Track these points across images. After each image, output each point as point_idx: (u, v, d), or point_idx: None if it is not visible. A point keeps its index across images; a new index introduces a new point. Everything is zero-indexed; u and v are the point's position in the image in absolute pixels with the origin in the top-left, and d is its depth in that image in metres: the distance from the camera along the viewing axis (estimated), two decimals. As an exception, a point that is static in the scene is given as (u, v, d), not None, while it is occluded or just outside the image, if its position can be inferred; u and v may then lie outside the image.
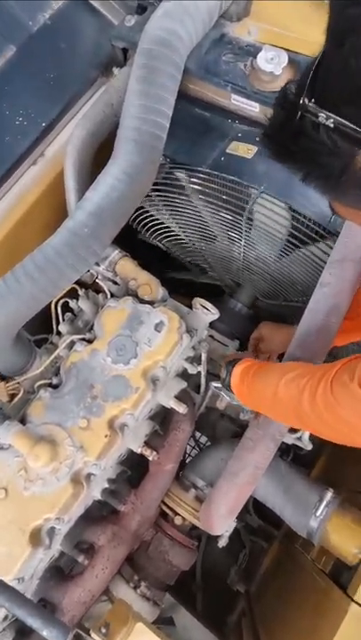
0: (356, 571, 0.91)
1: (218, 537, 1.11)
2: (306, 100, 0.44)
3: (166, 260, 1.57)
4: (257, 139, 1.03)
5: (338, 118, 0.42)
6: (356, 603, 0.82)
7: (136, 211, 1.22)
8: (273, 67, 0.93)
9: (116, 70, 1.13)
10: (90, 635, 0.70)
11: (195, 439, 1.57)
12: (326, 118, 0.43)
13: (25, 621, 0.70)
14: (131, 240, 1.48)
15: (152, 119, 0.91)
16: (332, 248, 0.90)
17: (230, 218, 1.00)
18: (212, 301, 1.15)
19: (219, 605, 1.74)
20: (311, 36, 0.98)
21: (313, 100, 0.44)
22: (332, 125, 0.43)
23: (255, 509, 1.74)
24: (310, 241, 0.95)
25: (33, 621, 0.69)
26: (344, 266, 0.80)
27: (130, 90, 0.92)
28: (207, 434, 1.59)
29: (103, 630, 0.72)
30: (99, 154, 1.15)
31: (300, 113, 0.44)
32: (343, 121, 0.42)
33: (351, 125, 0.42)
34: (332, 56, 0.43)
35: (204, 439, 1.67)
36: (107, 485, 1.02)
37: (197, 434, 1.63)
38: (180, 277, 1.58)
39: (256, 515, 1.74)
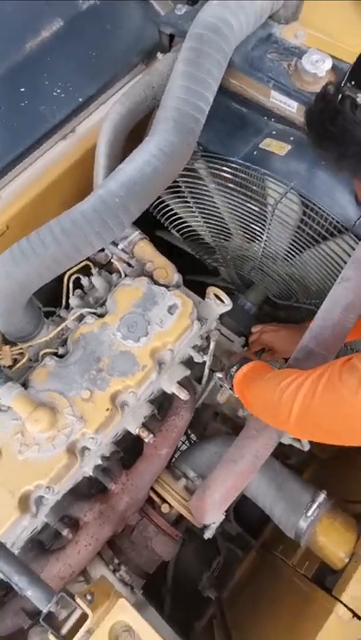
0: (342, 573, 0.90)
1: (202, 531, 1.09)
2: (348, 83, 0.50)
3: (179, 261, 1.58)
4: (291, 138, 1.05)
5: None
6: (342, 602, 0.81)
7: (161, 200, 1.23)
8: (317, 69, 0.96)
9: (160, 55, 1.15)
10: (75, 600, 0.68)
11: (187, 435, 1.56)
12: None
13: (10, 579, 0.68)
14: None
15: (193, 102, 0.93)
16: (353, 249, 0.92)
17: (257, 210, 1.02)
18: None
19: (187, 610, 1.70)
20: (356, 47, 1.02)
21: (353, 83, 0.50)
22: None
23: (236, 516, 1.73)
24: (329, 236, 0.97)
25: (18, 579, 0.67)
26: (368, 264, 0.81)
27: (175, 71, 0.94)
28: (197, 432, 1.58)
29: (89, 597, 0.70)
30: (130, 135, 1.16)
31: (340, 96, 0.51)
32: None
33: None
34: None
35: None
36: (100, 462, 1.01)
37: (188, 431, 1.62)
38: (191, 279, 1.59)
39: (236, 522, 1.72)
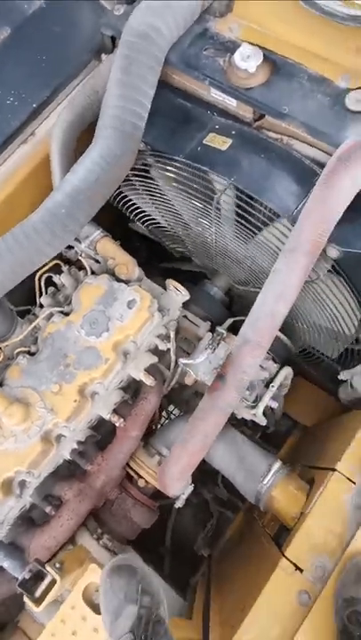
0: (291, 530, 1.01)
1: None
2: None
3: (158, 250, 1.65)
4: (233, 132, 1.09)
5: None
6: (286, 557, 0.92)
7: (121, 195, 1.29)
8: (248, 64, 0.99)
9: (104, 57, 1.18)
10: (45, 568, 0.80)
11: (167, 412, 1.67)
12: None
13: (-12, 553, 0.80)
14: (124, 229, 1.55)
15: (130, 108, 0.97)
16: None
17: (201, 206, 1.07)
18: (189, 285, 1.23)
19: (184, 568, 1.87)
20: (289, 37, 1.03)
21: None
22: None
23: (224, 483, 1.87)
24: (268, 222, 1.02)
25: (-5, 553, 0.80)
26: (294, 256, 0.87)
27: (111, 79, 0.98)
28: (181, 409, 1.69)
29: (57, 565, 0.82)
30: (83, 138, 1.21)
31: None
32: None
33: None
34: None
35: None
36: (76, 446, 1.12)
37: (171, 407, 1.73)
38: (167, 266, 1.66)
39: (225, 488, 1.86)
